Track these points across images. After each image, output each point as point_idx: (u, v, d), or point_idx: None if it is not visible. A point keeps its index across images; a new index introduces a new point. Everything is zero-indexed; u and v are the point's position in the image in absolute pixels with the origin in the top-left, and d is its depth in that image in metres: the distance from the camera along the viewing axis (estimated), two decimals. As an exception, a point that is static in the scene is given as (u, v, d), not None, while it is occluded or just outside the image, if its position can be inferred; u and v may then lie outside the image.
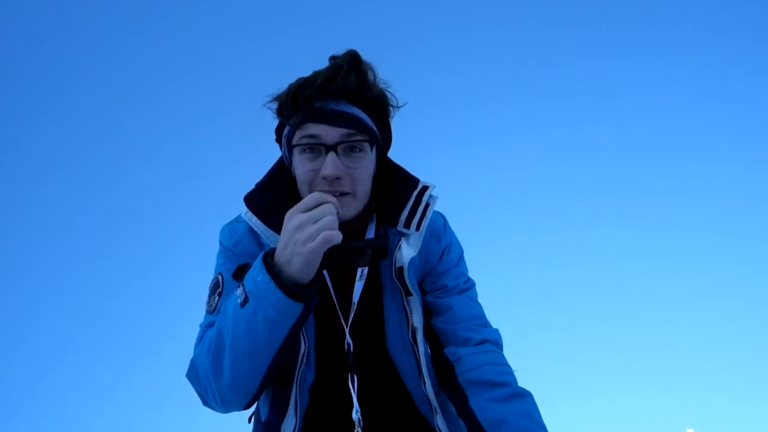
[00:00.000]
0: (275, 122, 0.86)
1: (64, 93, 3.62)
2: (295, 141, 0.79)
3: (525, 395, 0.77)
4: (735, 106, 3.66)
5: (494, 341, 0.85)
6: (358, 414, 0.81)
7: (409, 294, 0.84)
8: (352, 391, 0.82)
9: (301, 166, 0.79)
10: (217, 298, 0.82)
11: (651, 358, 3.35)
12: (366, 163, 0.80)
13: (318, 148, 0.76)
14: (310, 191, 0.77)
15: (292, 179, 0.86)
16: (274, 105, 0.82)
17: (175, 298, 3.41)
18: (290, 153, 0.83)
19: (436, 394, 0.86)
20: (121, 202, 3.68)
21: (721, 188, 3.64)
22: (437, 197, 0.87)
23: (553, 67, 3.84)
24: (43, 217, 3.54)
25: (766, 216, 3.49)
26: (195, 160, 3.80)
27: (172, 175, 3.76)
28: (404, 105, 0.86)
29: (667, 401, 3.22)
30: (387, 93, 0.84)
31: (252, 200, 0.85)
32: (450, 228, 0.95)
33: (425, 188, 0.87)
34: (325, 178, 0.75)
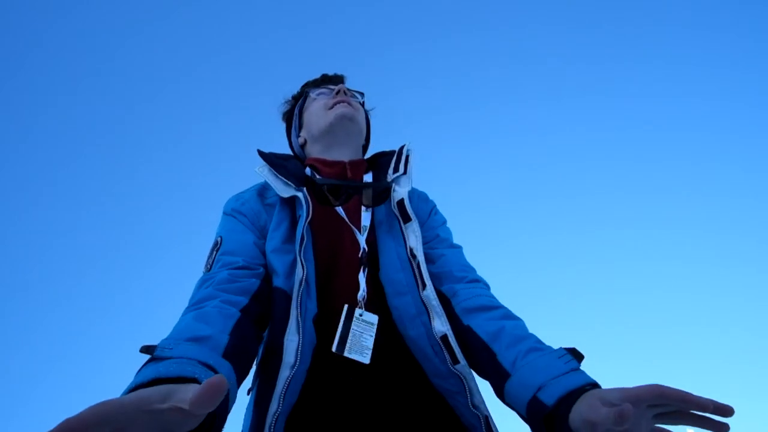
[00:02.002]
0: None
1: (65, 93, 3.63)
2: (311, 94, 1.07)
3: (518, 318, 0.81)
4: (735, 106, 3.67)
5: (486, 284, 0.90)
6: (365, 292, 0.82)
7: (407, 220, 0.90)
8: (362, 279, 0.83)
9: (317, 100, 1.04)
10: (215, 253, 0.83)
11: (651, 359, 3.35)
12: (359, 104, 1.06)
13: (330, 89, 1.05)
14: (323, 109, 1.01)
15: (298, 163, 1.02)
16: (289, 99, 1.12)
17: (175, 298, 3.41)
18: (300, 118, 1.08)
19: (436, 301, 0.83)
20: (121, 203, 3.68)
21: (722, 188, 3.65)
22: (413, 149, 1.02)
23: (553, 67, 3.84)
24: (43, 217, 3.54)
25: (766, 216, 3.49)
26: (195, 161, 3.80)
27: (172, 175, 3.76)
28: (372, 109, 1.12)
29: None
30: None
31: (265, 154, 0.97)
32: (434, 203, 1.06)
33: (403, 146, 1.03)
34: (338, 92, 1.02)
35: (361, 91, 1.11)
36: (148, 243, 3.68)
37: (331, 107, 1.00)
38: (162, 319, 3.43)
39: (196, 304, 0.71)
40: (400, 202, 0.91)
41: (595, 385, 0.63)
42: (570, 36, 3.85)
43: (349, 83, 1.11)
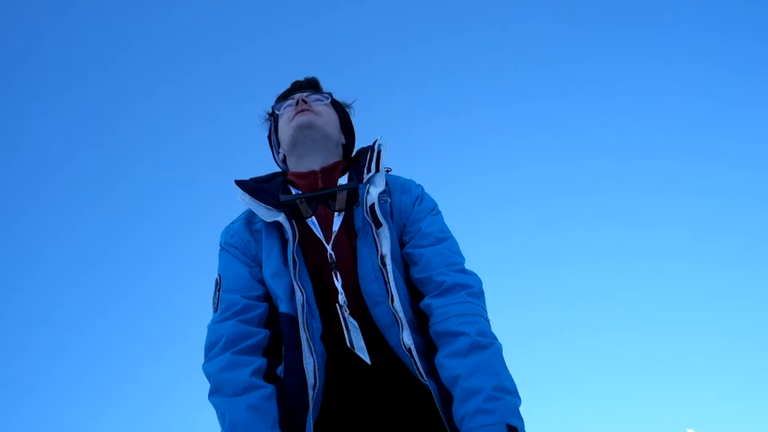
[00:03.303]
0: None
1: (64, 93, 3.63)
2: (279, 111, 1.05)
3: (486, 347, 0.78)
4: (735, 107, 3.67)
5: (466, 285, 0.86)
6: (344, 296, 0.86)
7: (379, 225, 0.90)
8: (337, 283, 0.87)
9: (282, 117, 1.04)
10: (217, 294, 0.90)
11: (651, 359, 3.35)
12: (326, 105, 1.05)
13: (292, 102, 1.03)
14: (288, 122, 1.00)
15: (282, 180, 1.01)
16: (267, 114, 1.11)
17: (175, 298, 3.41)
18: (277, 135, 1.07)
19: (404, 313, 0.86)
20: (122, 202, 3.68)
21: (722, 188, 3.65)
22: (385, 143, 1.02)
23: (552, 67, 3.84)
24: (42, 218, 3.54)
25: (765, 217, 3.49)
26: (196, 161, 3.80)
27: (172, 176, 3.76)
28: (354, 102, 1.13)
29: (667, 401, 3.22)
30: (341, 102, 1.10)
31: (242, 182, 0.99)
32: (423, 188, 1.05)
33: (375, 141, 1.03)
34: (297, 102, 1.00)
35: (326, 92, 1.09)
36: (147, 243, 3.68)
37: (293, 118, 1.00)
38: (162, 319, 3.43)
39: (223, 369, 0.80)
40: (371, 208, 0.90)
41: None
42: (569, 36, 3.85)
43: (339, 85, 1.13)
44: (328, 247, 0.89)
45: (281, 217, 0.89)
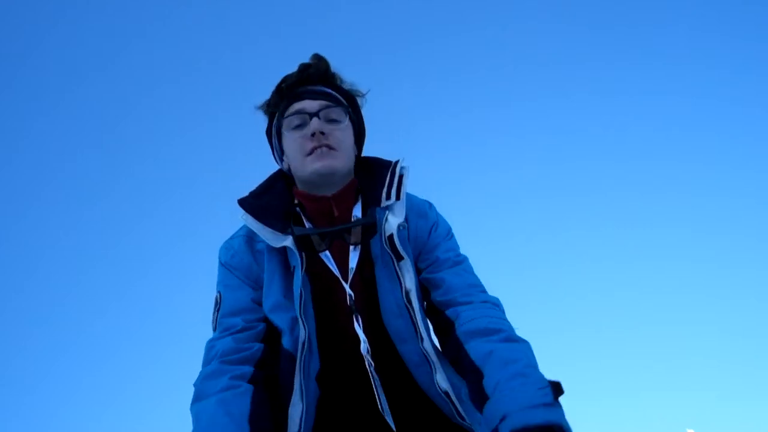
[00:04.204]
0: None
1: (64, 93, 3.63)
2: (284, 122, 0.91)
3: (519, 340, 0.77)
4: (735, 107, 3.67)
5: (494, 302, 0.86)
6: (366, 344, 0.82)
7: (400, 258, 0.87)
8: (358, 329, 0.82)
9: (292, 138, 0.90)
10: (216, 314, 0.88)
11: (651, 359, 3.35)
12: (344, 127, 0.91)
13: (303, 119, 0.89)
14: (301, 155, 0.87)
15: (285, 185, 0.94)
16: (264, 106, 0.96)
17: (175, 298, 3.41)
18: (280, 142, 0.94)
19: (436, 354, 0.86)
20: (122, 203, 3.68)
21: (722, 188, 3.65)
22: (408, 167, 0.94)
23: (552, 67, 3.84)
24: (42, 218, 3.54)
25: (766, 217, 3.49)
26: (196, 161, 3.80)
27: (172, 176, 3.76)
28: (368, 92, 0.98)
29: (667, 401, 3.22)
30: (353, 88, 0.97)
31: (245, 202, 0.91)
32: (436, 210, 1.00)
33: (396, 162, 0.95)
34: (313, 135, 0.86)
35: (341, 99, 0.93)
36: (147, 243, 3.68)
37: (309, 153, 0.87)
38: (162, 319, 3.43)
39: (207, 378, 0.78)
40: (390, 238, 0.85)
41: (557, 428, 0.61)
42: (569, 36, 3.85)
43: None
44: (347, 287, 0.84)
45: (288, 242, 0.83)
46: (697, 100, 3.70)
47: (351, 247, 0.86)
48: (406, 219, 0.91)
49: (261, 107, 0.96)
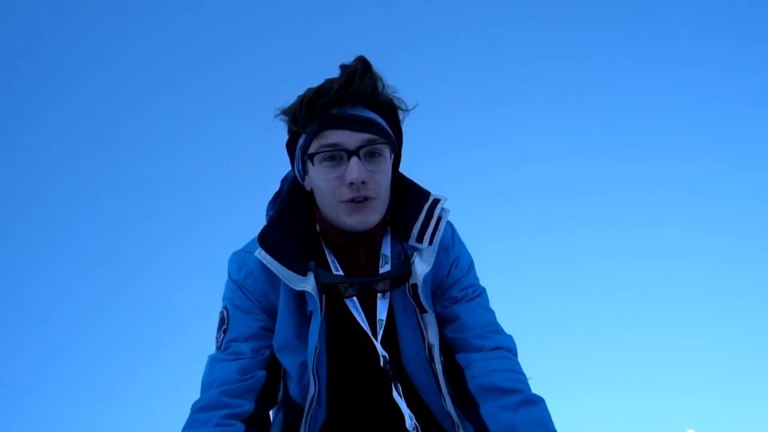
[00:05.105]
0: (281, 132, 0.85)
1: (64, 93, 3.62)
2: (313, 150, 0.77)
3: (537, 402, 0.74)
4: (735, 107, 3.66)
5: (507, 348, 0.82)
6: (413, 420, 0.76)
7: (423, 311, 0.81)
8: (399, 401, 0.76)
9: (323, 175, 0.77)
10: (222, 335, 0.83)
11: (651, 359, 3.35)
12: (386, 167, 0.79)
13: (339, 155, 0.75)
14: (334, 200, 0.77)
15: (306, 204, 0.85)
16: (287, 117, 0.81)
17: (176, 298, 3.41)
18: (304, 165, 0.82)
19: (458, 416, 0.83)
20: (122, 203, 3.68)
21: (722, 189, 3.64)
22: (449, 210, 0.85)
23: (552, 67, 3.84)
24: (42, 218, 3.54)
25: (766, 217, 3.49)
26: (196, 161, 3.80)
27: (172, 176, 3.76)
28: (414, 108, 0.84)
29: (667, 401, 3.22)
30: (395, 97, 0.83)
31: (265, 239, 0.81)
32: (459, 238, 0.92)
33: (437, 201, 0.84)
34: (352, 183, 0.74)
35: (386, 129, 0.79)
36: (148, 243, 3.68)
37: (345, 201, 0.76)
38: (163, 319, 3.42)
39: (202, 409, 0.75)
40: (414, 288, 0.80)
41: None
42: (569, 36, 3.85)
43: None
44: (379, 347, 0.78)
45: (309, 287, 0.77)
46: (697, 100, 3.70)
47: (379, 296, 0.80)
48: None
49: (283, 119, 0.81)
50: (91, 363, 3.35)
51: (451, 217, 0.92)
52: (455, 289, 0.87)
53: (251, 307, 0.83)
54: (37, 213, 3.54)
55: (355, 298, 0.80)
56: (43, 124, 3.60)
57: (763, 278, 3.37)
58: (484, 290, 0.91)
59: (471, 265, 0.91)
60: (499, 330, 0.85)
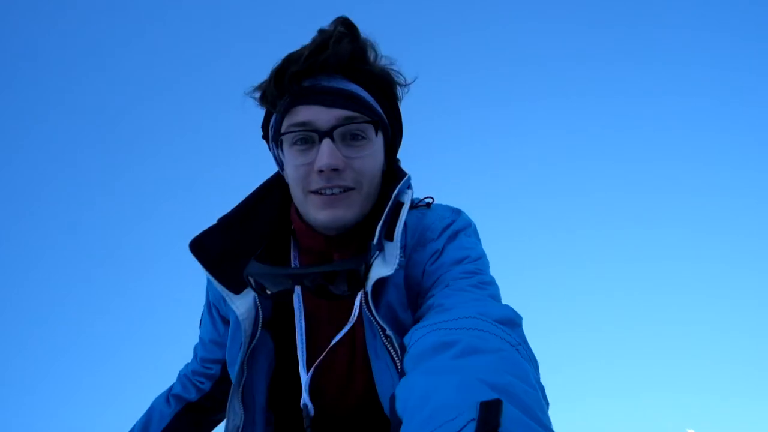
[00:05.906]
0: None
1: (64, 93, 3.63)
2: (283, 130, 0.62)
3: (484, 351, 0.45)
4: (735, 107, 3.66)
5: (484, 314, 0.53)
6: None
7: (384, 333, 0.60)
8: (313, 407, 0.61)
9: (291, 159, 0.62)
10: (198, 342, 0.89)
11: (651, 359, 3.35)
12: (371, 151, 0.63)
13: (310, 136, 0.60)
14: (304, 191, 0.62)
15: (283, 199, 0.70)
16: (257, 93, 0.66)
17: (176, 298, 3.41)
18: (279, 147, 0.67)
19: None
20: (122, 202, 3.68)
21: (722, 189, 3.64)
22: (410, 191, 0.66)
23: (552, 67, 3.84)
24: (42, 217, 3.54)
25: (766, 217, 3.49)
26: (197, 161, 3.80)
27: (172, 176, 3.76)
28: (414, 81, 0.67)
29: (667, 401, 3.22)
30: (391, 69, 0.66)
31: (200, 244, 0.65)
32: (461, 230, 0.68)
33: (395, 185, 0.66)
34: (321, 171, 0.59)
35: (370, 103, 0.62)
36: (148, 243, 3.68)
37: (313, 191, 0.61)
38: (163, 319, 3.42)
39: (177, 382, 0.92)
40: (366, 297, 0.58)
41: None
42: (569, 36, 3.85)
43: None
44: (304, 383, 0.60)
45: (243, 308, 0.63)
46: (697, 100, 3.70)
47: (353, 314, 0.60)
48: (404, 252, 0.62)
49: (252, 95, 0.67)
50: (91, 363, 3.35)
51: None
52: (437, 290, 0.62)
53: (213, 318, 0.76)
54: (37, 213, 3.54)
55: (302, 314, 0.64)
56: (43, 124, 3.61)
57: (763, 278, 3.38)
58: (495, 283, 0.69)
59: (464, 260, 0.65)
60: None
